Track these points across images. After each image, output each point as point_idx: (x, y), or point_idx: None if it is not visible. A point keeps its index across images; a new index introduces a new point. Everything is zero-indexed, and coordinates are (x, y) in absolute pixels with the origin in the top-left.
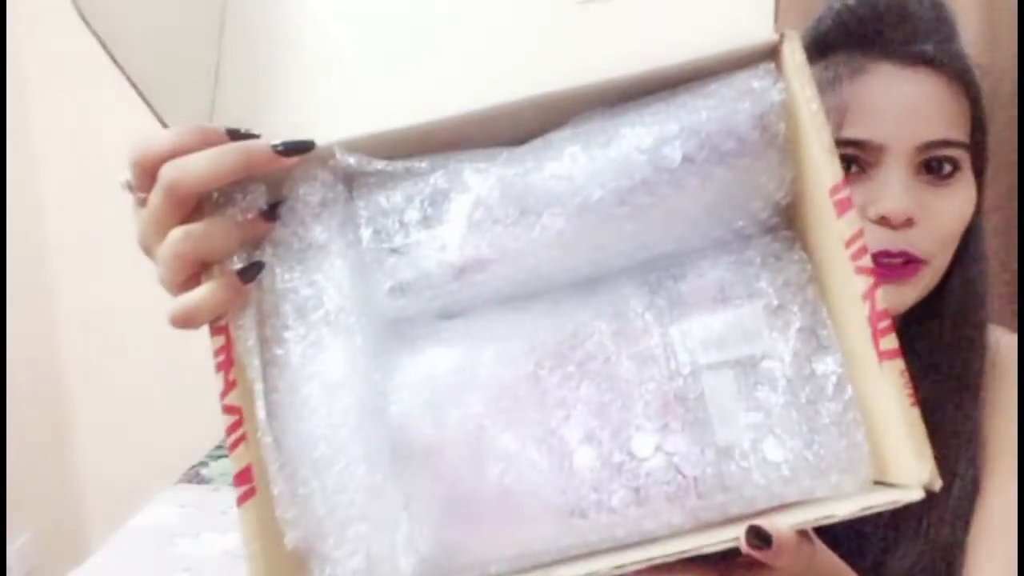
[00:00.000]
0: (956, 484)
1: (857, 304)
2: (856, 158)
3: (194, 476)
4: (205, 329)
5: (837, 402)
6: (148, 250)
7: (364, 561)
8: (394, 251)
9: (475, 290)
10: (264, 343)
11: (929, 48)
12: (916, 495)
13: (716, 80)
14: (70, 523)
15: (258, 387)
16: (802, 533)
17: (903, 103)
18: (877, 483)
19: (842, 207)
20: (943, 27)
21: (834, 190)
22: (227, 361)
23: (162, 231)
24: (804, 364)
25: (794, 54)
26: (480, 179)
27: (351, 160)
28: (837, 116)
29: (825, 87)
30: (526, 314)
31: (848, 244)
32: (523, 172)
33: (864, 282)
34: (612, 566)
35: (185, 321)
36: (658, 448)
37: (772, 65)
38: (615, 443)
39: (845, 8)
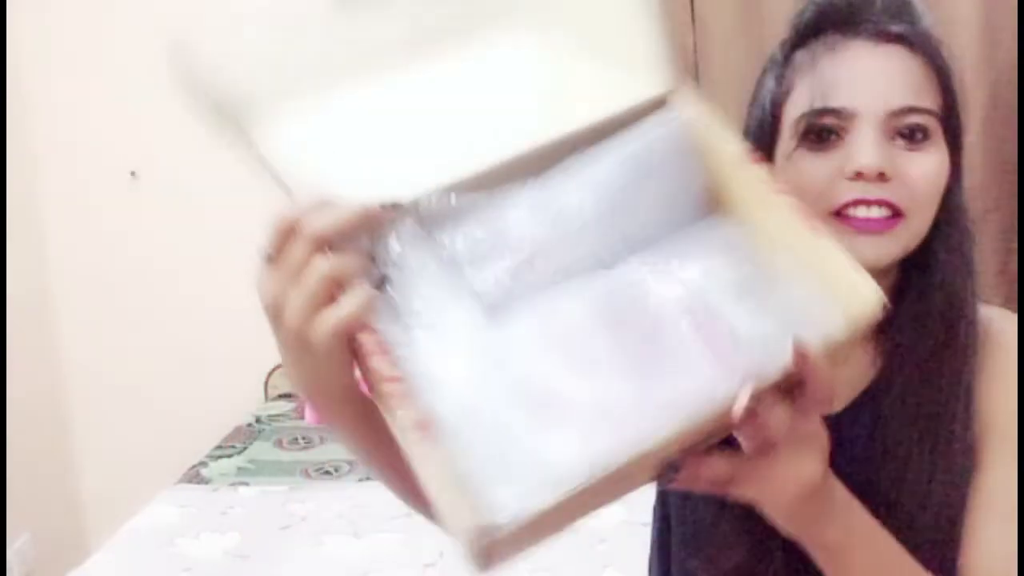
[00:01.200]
0: (956, 452)
1: (776, 201)
2: (834, 127)
3: (194, 476)
4: (205, 329)
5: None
6: (281, 295)
7: (527, 479)
8: (471, 262)
9: (528, 279)
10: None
11: (896, 27)
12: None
13: (640, 122)
14: (70, 523)
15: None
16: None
17: (873, 74)
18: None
19: (755, 159)
20: (908, 10)
21: (745, 158)
22: (382, 347)
23: (302, 273)
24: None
25: (687, 102)
26: (517, 209)
27: (432, 203)
28: (817, 89)
29: (805, 67)
30: (572, 285)
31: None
32: (548, 200)
33: (772, 182)
34: None
35: (348, 326)
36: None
37: (673, 107)
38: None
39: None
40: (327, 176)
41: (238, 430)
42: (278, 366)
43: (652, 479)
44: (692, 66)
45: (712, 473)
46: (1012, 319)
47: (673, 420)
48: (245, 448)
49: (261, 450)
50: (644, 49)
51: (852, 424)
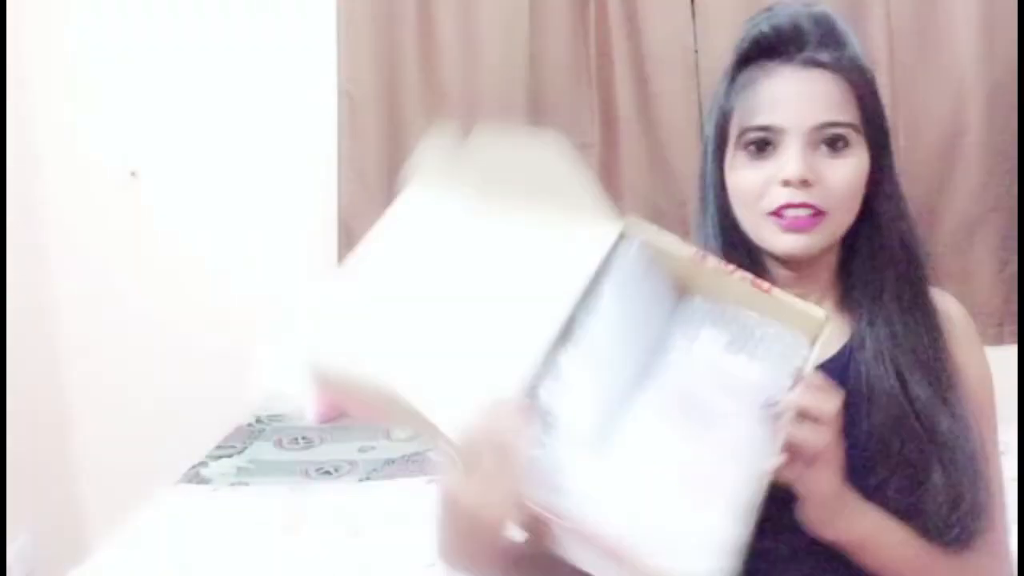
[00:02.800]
0: (922, 398)
1: (732, 278)
2: (768, 140)
3: (194, 476)
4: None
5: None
6: (482, 496)
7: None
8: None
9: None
10: None
11: (821, 56)
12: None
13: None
14: (70, 523)
15: None
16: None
17: (798, 95)
18: None
19: (703, 257)
20: (833, 40)
21: (698, 258)
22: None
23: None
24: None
25: (638, 227)
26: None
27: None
28: (752, 109)
29: (745, 88)
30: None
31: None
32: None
33: (724, 266)
34: None
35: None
36: None
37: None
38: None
39: (759, 31)
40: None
41: (238, 430)
42: None
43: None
44: (692, 65)
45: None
46: (954, 300)
47: (749, 479)
48: (245, 448)
49: (261, 450)
50: (589, 202)
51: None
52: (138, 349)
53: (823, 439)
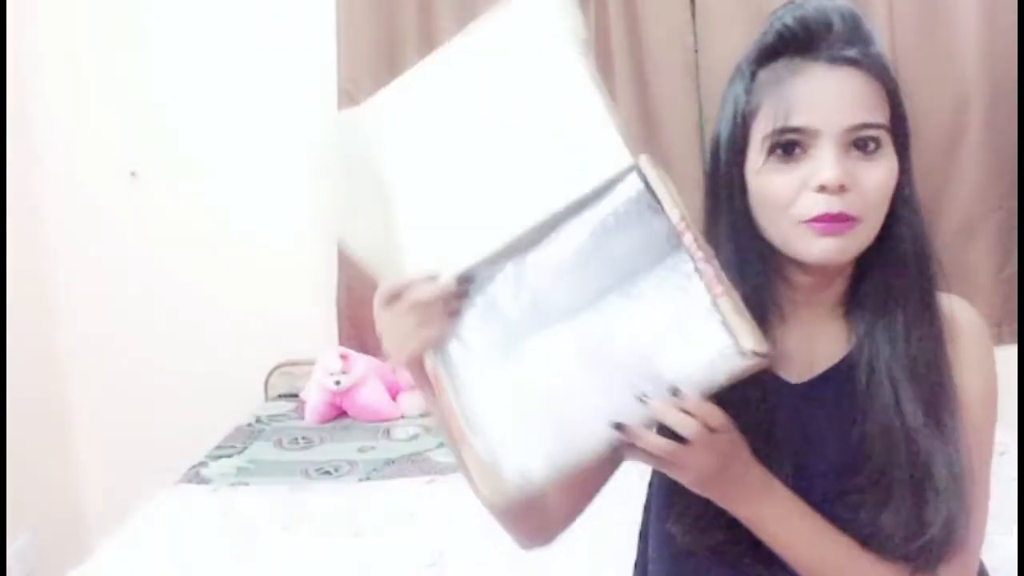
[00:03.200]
0: (920, 413)
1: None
2: (798, 142)
3: (194, 476)
4: (205, 329)
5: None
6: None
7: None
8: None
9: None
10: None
11: (850, 52)
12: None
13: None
14: (70, 523)
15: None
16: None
17: (831, 95)
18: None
19: (683, 230)
20: (860, 36)
21: (681, 227)
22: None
23: (401, 320)
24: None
25: (647, 168)
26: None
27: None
28: (782, 109)
29: (770, 86)
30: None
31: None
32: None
33: (696, 251)
34: None
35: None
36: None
37: (634, 175)
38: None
39: (783, 24)
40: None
41: (238, 430)
42: (278, 366)
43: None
44: (692, 65)
45: (645, 453)
46: (967, 306)
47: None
48: (245, 448)
49: (261, 450)
50: (606, 132)
51: (826, 390)
52: (138, 349)
53: (673, 454)
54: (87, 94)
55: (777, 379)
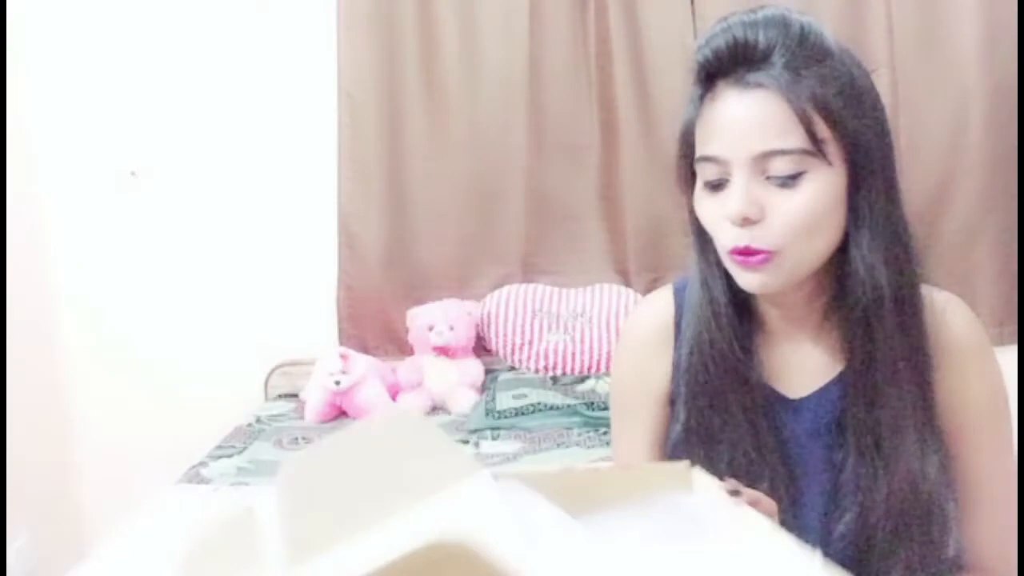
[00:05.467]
0: (912, 428)
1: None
2: (715, 172)
3: (194, 476)
4: (205, 329)
5: None
6: None
7: None
8: None
9: None
10: None
11: (760, 76)
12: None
13: None
14: (70, 523)
15: None
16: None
17: (740, 121)
18: None
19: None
20: (778, 53)
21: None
22: None
23: None
24: None
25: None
26: None
27: None
28: (702, 136)
29: (702, 112)
30: None
31: None
32: None
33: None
34: None
35: None
36: None
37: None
38: None
39: (700, 53)
40: None
41: (238, 430)
42: (278, 366)
43: None
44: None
45: None
46: (962, 305)
47: None
48: (245, 448)
49: (261, 450)
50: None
51: (819, 407)
52: (138, 348)
53: None
54: (87, 94)
55: (775, 393)
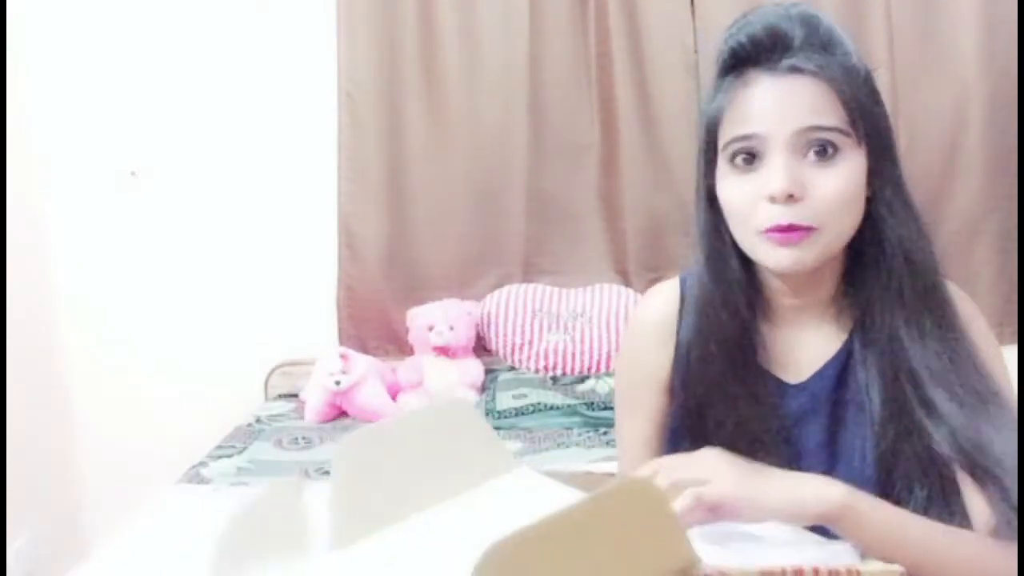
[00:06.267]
0: (911, 400)
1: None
2: (752, 151)
3: (194, 476)
4: (205, 329)
5: None
6: None
7: None
8: None
9: None
10: None
11: (798, 62)
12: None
13: None
14: (70, 523)
15: None
16: None
17: (778, 102)
18: None
19: None
20: (813, 42)
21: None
22: None
23: None
24: None
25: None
26: None
27: None
28: (737, 118)
29: (730, 99)
30: None
31: None
32: None
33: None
34: None
35: None
36: None
37: None
38: None
39: (735, 40)
40: None
41: (238, 430)
42: (278, 366)
43: None
44: (692, 65)
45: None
46: (968, 299)
47: None
48: (245, 448)
49: (261, 450)
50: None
51: (817, 388)
52: (138, 348)
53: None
54: (87, 94)
55: (775, 378)
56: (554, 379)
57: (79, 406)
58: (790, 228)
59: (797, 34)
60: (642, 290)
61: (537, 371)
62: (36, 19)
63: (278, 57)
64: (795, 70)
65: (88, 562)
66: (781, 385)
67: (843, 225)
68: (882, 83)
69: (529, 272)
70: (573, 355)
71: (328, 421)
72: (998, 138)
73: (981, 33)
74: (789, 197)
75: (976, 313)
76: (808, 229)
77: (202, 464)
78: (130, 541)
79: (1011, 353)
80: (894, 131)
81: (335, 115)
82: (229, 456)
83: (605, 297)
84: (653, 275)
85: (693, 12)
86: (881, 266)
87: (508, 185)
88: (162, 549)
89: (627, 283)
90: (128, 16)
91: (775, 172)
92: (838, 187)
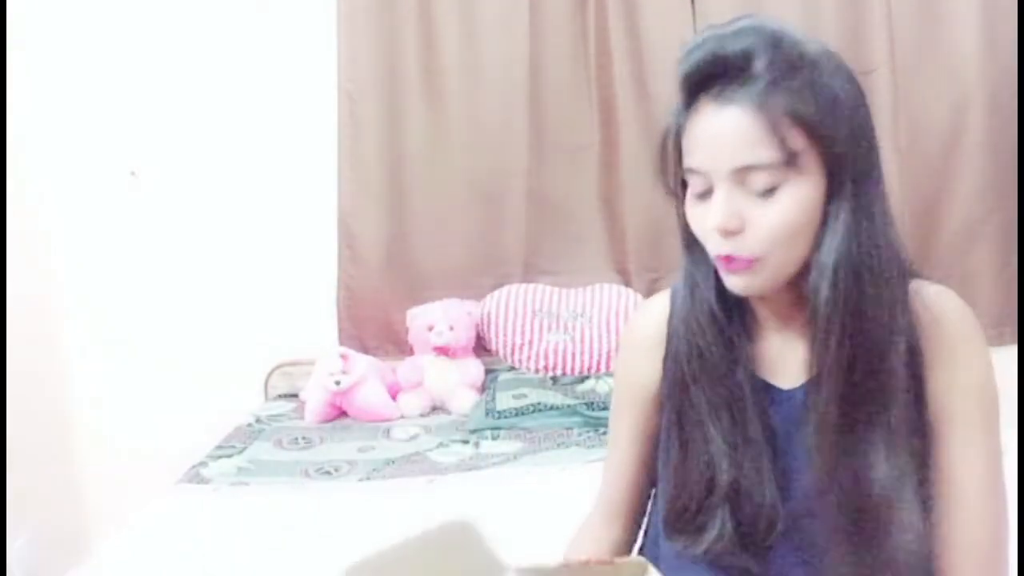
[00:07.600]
0: (891, 418)
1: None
2: (701, 180)
3: (194, 476)
4: (205, 329)
5: None
6: None
7: None
8: None
9: None
10: None
11: (735, 92)
12: None
13: None
14: (70, 523)
15: None
16: None
17: (717, 137)
18: None
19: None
20: (751, 70)
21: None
22: None
23: None
24: None
25: None
26: None
27: None
28: (686, 148)
29: (686, 123)
30: None
31: None
32: None
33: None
34: None
35: None
36: None
37: None
38: None
39: (683, 64)
40: None
41: (238, 430)
42: (278, 366)
43: None
44: None
45: None
46: (954, 297)
47: None
48: (245, 448)
49: (261, 450)
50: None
51: (806, 398)
52: (138, 348)
53: None
54: (87, 94)
55: (765, 383)
56: (554, 379)
57: (79, 406)
58: (730, 259)
59: (739, 55)
60: (642, 290)
61: (537, 371)
62: (36, 19)
63: (278, 57)
64: (731, 101)
65: (88, 562)
66: (771, 390)
67: (789, 254)
68: (882, 83)
69: (529, 272)
70: (573, 355)
71: (328, 421)
72: (998, 138)
73: (981, 33)
74: (726, 231)
75: (955, 318)
76: (750, 260)
77: (202, 464)
78: (130, 541)
79: (1011, 353)
80: (873, 141)
81: (335, 115)
82: (229, 456)
83: (605, 297)
84: (653, 275)
85: (693, 12)
86: (828, 292)
87: (508, 185)
88: (162, 549)
89: (627, 283)
90: (128, 16)
91: (715, 206)
92: (780, 220)
